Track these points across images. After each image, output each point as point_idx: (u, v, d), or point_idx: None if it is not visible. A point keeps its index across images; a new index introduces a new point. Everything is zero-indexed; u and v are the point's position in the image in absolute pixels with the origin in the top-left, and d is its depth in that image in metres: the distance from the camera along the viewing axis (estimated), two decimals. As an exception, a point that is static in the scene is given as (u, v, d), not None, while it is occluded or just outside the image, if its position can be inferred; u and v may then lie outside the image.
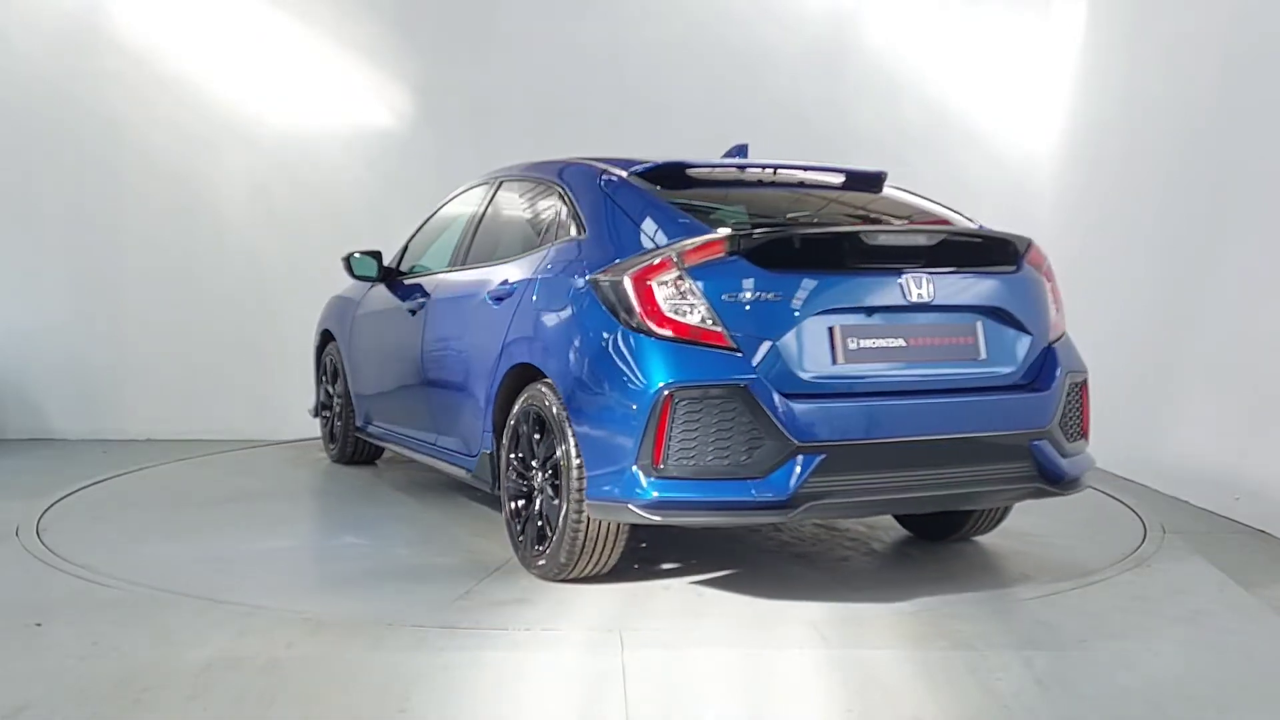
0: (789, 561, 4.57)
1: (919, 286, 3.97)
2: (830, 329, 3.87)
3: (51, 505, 5.41)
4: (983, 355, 4.10)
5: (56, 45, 7.60)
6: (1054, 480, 4.12)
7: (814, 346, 3.84)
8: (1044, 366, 4.21)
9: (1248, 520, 5.28)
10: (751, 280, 3.81)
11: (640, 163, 4.56)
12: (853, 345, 3.90)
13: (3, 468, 6.62)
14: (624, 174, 4.48)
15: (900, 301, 3.96)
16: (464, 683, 3.16)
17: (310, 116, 7.80)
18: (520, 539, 4.34)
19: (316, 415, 6.94)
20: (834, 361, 3.87)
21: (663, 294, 3.82)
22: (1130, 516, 5.47)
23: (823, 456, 3.72)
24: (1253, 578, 4.36)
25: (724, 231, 3.92)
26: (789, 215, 4.53)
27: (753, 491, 3.69)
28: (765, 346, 3.78)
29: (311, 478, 6.39)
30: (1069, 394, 4.22)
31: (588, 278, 4.07)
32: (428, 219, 6.00)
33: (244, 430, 7.58)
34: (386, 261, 5.91)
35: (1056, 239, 7.95)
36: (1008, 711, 2.98)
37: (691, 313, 3.79)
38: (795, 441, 3.70)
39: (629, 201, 4.30)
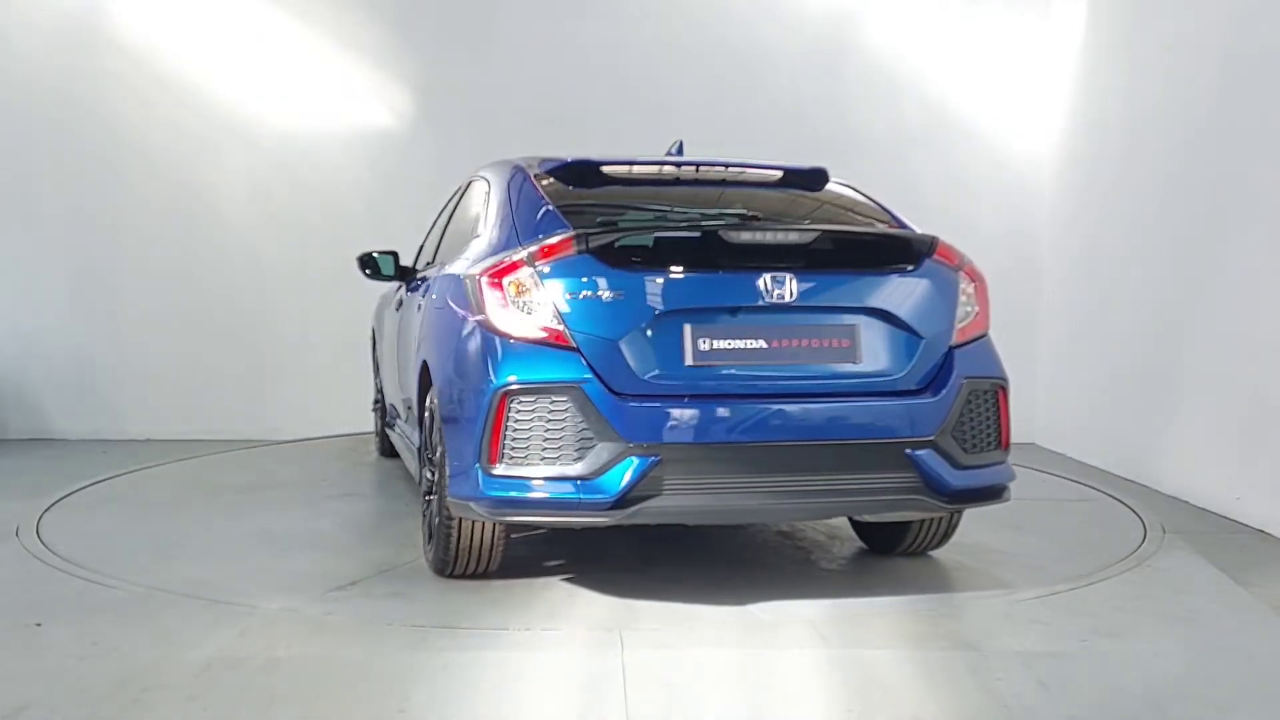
0: (789, 561, 4.57)
1: (779, 287, 3.80)
2: (681, 329, 3.77)
3: (51, 505, 5.41)
4: (860, 359, 3.88)
5: (56, 45, 7.61)
6: (941, 493, 3.85)
7: (663, 347, 3.75)
8: (938, 372, 3.95)
9: (1248, 520, 5.28)
10: (598, 279, 3.76)
11: (556, 160, 4.56)
12: (704, 346, 3.78)
13: (3, 468, 6.62)
14: (530, 171, 4.47)
15: (759, 302, 3.80)
16: (464, 683, 3.16)
17: (310, 116, 7.81)
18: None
19: (374, 410, 7.09)
20: (684, 362, 3.76)
21: (511, 293, 3.80)
22: (1130, 516, 5.47)
23: (657, 459, 3.63)
24: (1253, 578, 4.36)
25: (573, 230, 3.87)
26: (689, 213, 4.37)
27: (581, 492, 3.65)
28: (607, 347, 3.72)
29: (307, 476, 6.38)
30: (970, 402, 3.96)
31: (461, 276, 4.13)
32: (438, 215, 6.01)
33: (244, 430, 7.58)
34: (410, 260, 5.91)
35: (1056, 239, 7.98)
36: (1008, 711, 2.98)
37: (536, 312, 3.76)
38: (628, 443, 3.63)
39: (520, 199, 4.31)
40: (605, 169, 4.57)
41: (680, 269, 3.83)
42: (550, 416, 3.68)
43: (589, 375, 3.68)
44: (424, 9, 7.93)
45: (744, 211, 4.34)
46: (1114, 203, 7.11)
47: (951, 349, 4.01)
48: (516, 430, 3.69)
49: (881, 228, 4.39)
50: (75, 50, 7.61)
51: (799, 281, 3.82)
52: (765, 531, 5.04)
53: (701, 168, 4.76)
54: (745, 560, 4.59)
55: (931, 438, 3.84)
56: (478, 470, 3.74)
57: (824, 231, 4.01)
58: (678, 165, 4.79)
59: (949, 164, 8.06)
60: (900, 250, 4.09)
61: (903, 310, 3.95)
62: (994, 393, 4.07)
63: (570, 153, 4.73)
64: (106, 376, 7.70)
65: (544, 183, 4.40)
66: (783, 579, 4.29)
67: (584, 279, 3.76)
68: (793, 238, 3.96)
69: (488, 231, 4.34)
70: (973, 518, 5.48)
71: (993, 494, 4.08)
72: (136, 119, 7.67)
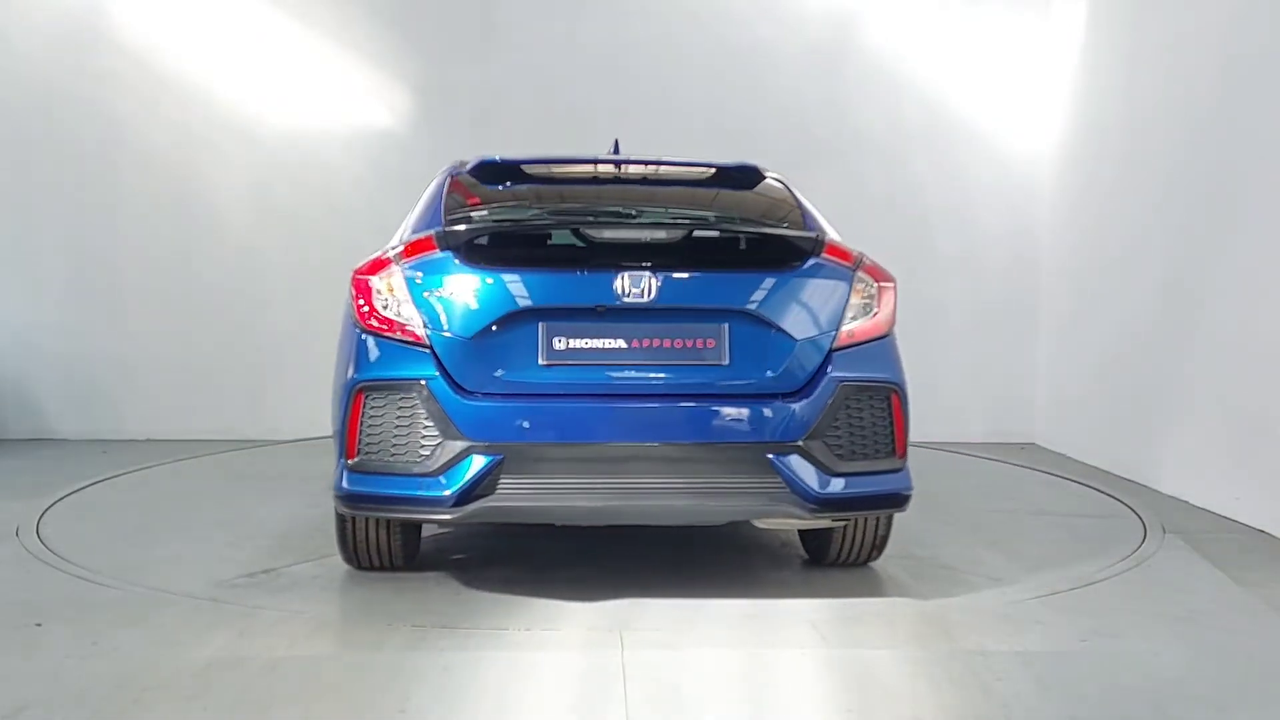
0: (789, 561, 4.57)
1: (636, 286, 3.74)
2: (536, 327, 3.78)
3: (51, 505, 5.40)
4: (725, 360, 3.80)
5: (56, 45, 7.60)
6: (806, 499, 3.73)
7: (516, 345, 3.77)
8: (813, 375, 3.83)
9: (1248, 520, 5.28)
10: (457, 277, 3.80)
11: (485, 159, 4.60)
12: (559, 345, 3.78)
13: (3, 468, 6.62)
14: (456, 171, 4.52)
15: (615, 302, 3.76)
16: (464, 683, 3.16)
17: (310, 116, 7.81)
18: None
19: None
20: (538, 361, 3.77)
21: (376, 291, 3.86)
22: (1130, 516, 5.47)
23: (499, 458, 3.65)
24: (1253, 578, 4.36)
25: (435, 229, 3.91)
26: (581, 213, 4.33)
27: (424, 490, 3.69)
28: (459, 344, 3.75)
29: (305, 473, 6.38)
30: (847, 407, 3.82)
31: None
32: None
33: (243, 430, 7.58)
34: None
35: (1056, 239, 7.98)
36: (1008, 711, 2.98)
37: (397, 310, 3.82)
38: (470, 441, 3.65)
39: (431, 199, 4.36)
40: (526, 168, 4.59)
41: (539, 267, 3.85)
42: (399, 414, 3.73)
43: (435, 373, 3.72)
44: (424, 9, 7.93)
45: (623, 210, 4.27)
46: (1114, 203, 7.11)
47: (832, 351, 3.87)
48: (369, 426, 3.75)
49: (766, 228, 4.24)
50: (75, 50, 7.60)
51: (659, 281, 3.76)
52: (765, 532, 5.04)
53: (624, 166, 4.71)
54: (745, 560, 4.59)
55: (796, 442, 3.74)
56: (342, 465, 3.83)
57: (691, 230, 3.94)
58: (595, 164, 4.74)
59: (949, 164, 8.06)
60: (779, 250, 3.98)
61: (775, 311, 3.84)
62: (884, 397, 3.90)
63: (509, 152, 4.75)
64: (106, 376, 7.69)
65: (462, 182, 4.45)
66: (783, 579, 4.30)
67: (444, 277, 3.81)
68: (659, 236, 3.91)
69: (404, 231, 4.36)
70: (972, 517, 5.49)
71: (880, 503, 3.94)
72: (137, 119, 7.67)
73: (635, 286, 3.75)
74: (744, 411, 3.75)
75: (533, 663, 3.34)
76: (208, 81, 7.70)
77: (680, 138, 7.69)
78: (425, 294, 3.80)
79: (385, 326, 3.83)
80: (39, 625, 3.58)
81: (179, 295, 7.74)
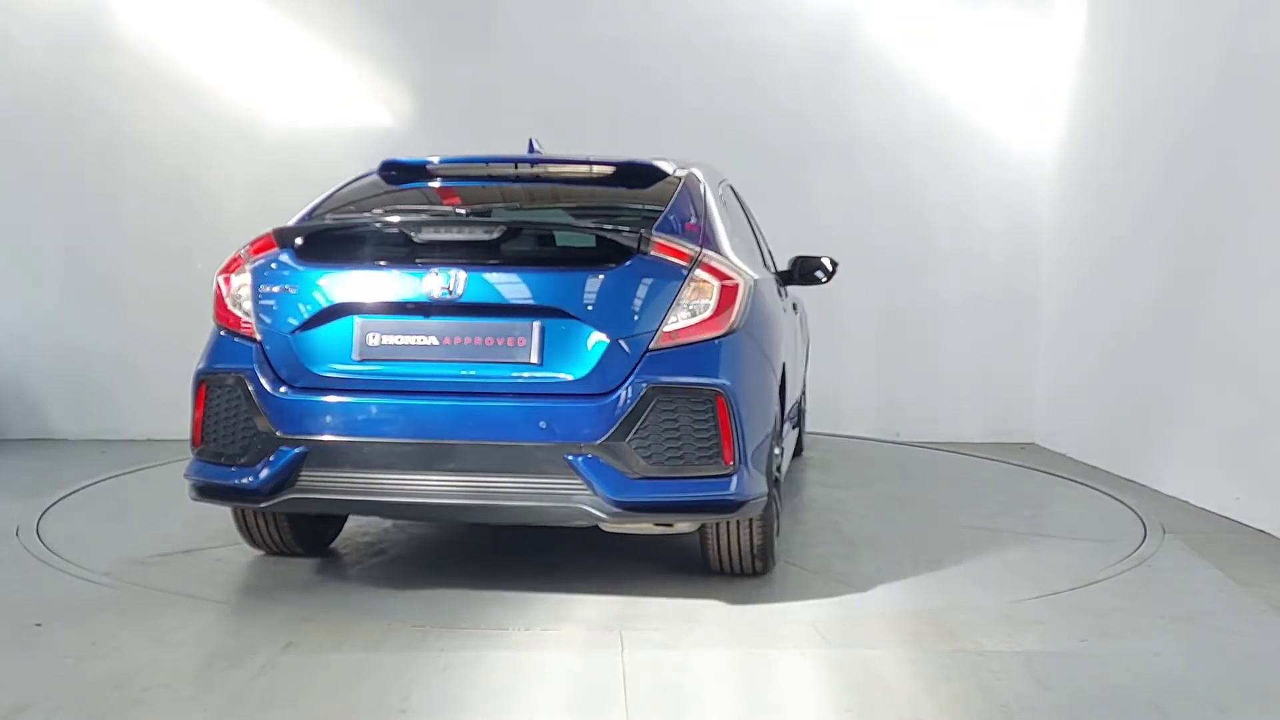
0: (788, 562, 4.57)
1: (447, 284, 3.77)
2: (352, 324, 3.85)
3: (51, 505, 5.40)
4: (536, 358, 3.76)
5: (57, 45, 7.61)
6: (608, 502, 3.66)
7: (333, 340, 3.86)
8: (624, 376, 3.72)
9: (1248, 520, 5.28)
10: (288, 274, 3.94)
11: (395, 160, 4.68)
12: (373, 341, 3.84)
13: (3, 468, 6.62)
14: (372, 171, 4.65)
15: (430, 298, 3.79)
16: (464, 683, 3.16)
17: (310, 116, 7.82)
18: None
19: None
20: (352, 357, 3.84)
21: (228, 287, 4.04)
22: (1130, 516, 5.47)
23: (304, 450, 3.75)
24: (1253, 578, 4.36)
25: (274, 227, 4.04)
26: (415, 212, 4.38)
27: (239, 479, 3.83)
28: (282, 339, 3.88)
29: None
30: (658, 408, 3.69)
31: None
32: None
33: (244, 430, 7.57)
34: None
35: (1056, 239, 7.99)
36: (1007, 711, 2.97)
37: (240, 305, 3.99)
38: (279, 433, 3.77)
39: (320, 197, 4.47)
40: (429, 169, 4.64)
41: (360, 264, 3.93)
42: (227, 405, 3.89)
43: (253, 366, 3.86)
44: (424, 9, 7.93)
45: (454, 210, 4.30)
46: (1113, 202, 7.12)
47: (648, 352, 3.76)
48: (209, 417, 3.94)
49: (588, 224, 4.17)
50: (76, 50, 7.61)
51: (470, 279, 3.79)
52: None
53: (520, 166, 4.70)
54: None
55: (596, 444, 3.67)
56: (192, 454, 4.02)
57: (510, 228, 3.89)
58: (488, 164, 4.76)
59: (949, 163, 8.07)
60: (600, 248, 3.88)
61: (589, 310, 3.77)
62: (704, 401, 3.74)
63: (432, 152, 4.81)
64: (106, 376, 7.70)
65: (362, 181, 4.58)
66: (783, 579, 4.29)
67: (279, 274, 3.95)
68: (477, 236, 3.88)
69: None
70: (969, 518, 5.49)
71: (700, 509, 3.79)
72: (138, 119, 7.68)
73: (446, 284, 3.79)
74: (547, 410, 3.70)
75: (533, 663, 3.34)
76: (209, 81, 7.71)
77: (680, 137, 7.71)
78: (262, 290, 3.95)
79: (230, 322, 4.01)
80: (39, 625, 3.58)
81: (179, 295, 7.72)
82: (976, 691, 3.12)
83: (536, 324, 3.78)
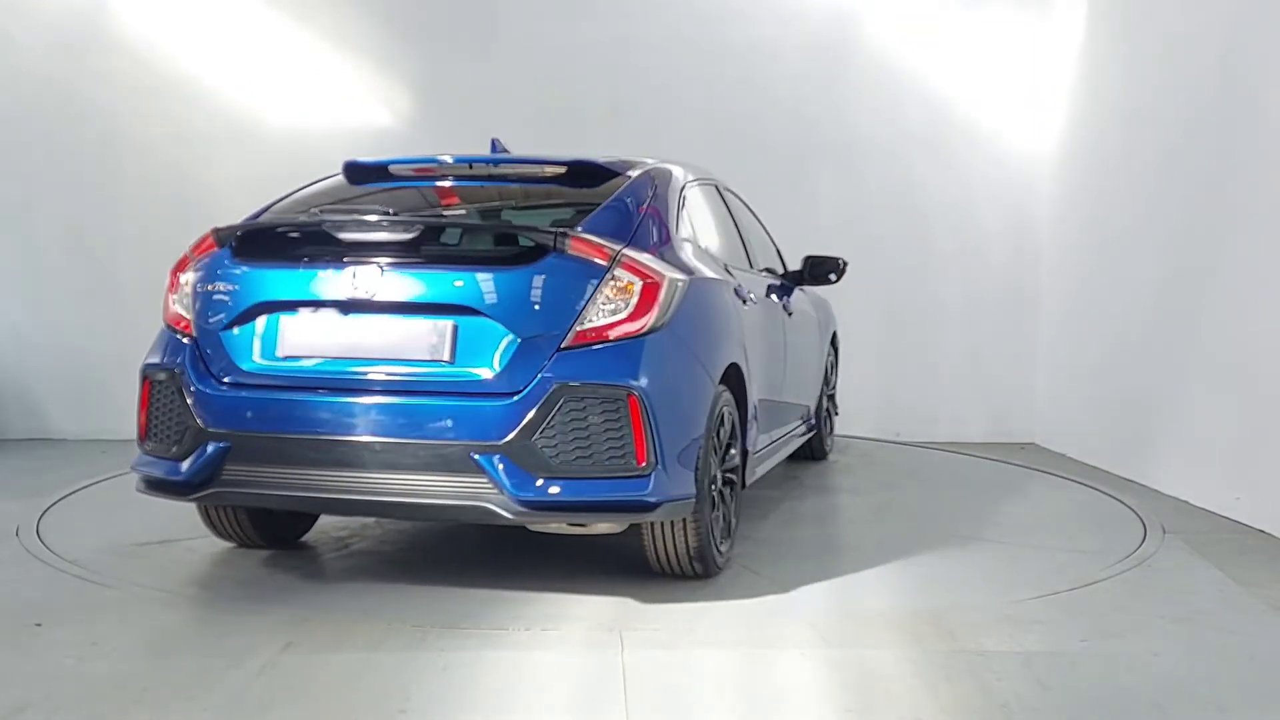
0: (788, 561, 4.57)
1: (367, 282, 3.80)
2: (278, 321, 3.93)
3: (51, 505, 5.40)
4: (449, 357, 3.76)
5: (57, 44, 7.60)
6: (514, 501, 3.65)
7: (260, 337, 3.94)
8: (532, 375, 3.70)
9: (1248, 520, 5.28)
10: (223, 272, 4.04)
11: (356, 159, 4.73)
12: (296, 339, 3.90)
13: (3, 468, 6.63)
14: (337, 171, 4.72)
15: (348, 296, 3.83)
16: (464, 683, 3.16)
17: (310, 116, 7.81)
18: None
19: None
20: (276, 354, 3.91)
21: (175, 286, 4.18)
22: (1130, 516, 5.47)
23: (227, 445, 3.84)
24: (1253, 578, 4.36)
25: (214, 227, 4.14)
26: (342, 212, 4.34)
27: (170, 473, 3.94)
28: (214, 336, 3.99)
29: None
30: (565, 408, 3.66)
31: None
32: None
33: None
34: None
35: (1056, 238, 7.99)
36: (1007, 711, 2.98)
37: (183, 302, 4.12)
38: (205, 428, 3.87)
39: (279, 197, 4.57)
40: (392, 169, 4.66)
41: (287, 263, 3.97)
42: (164, 400, 4.02)
43: (188, 362, 3.98)
44: (424, 9, 7.93)
45: (381, 209, 4.20)
46: (1113, 202, 7.12)
47: (559, 351, 3.73)
48: (149, 411, 4.07)
49: (506, 223, 4.17)
50: (76, 50, 7.60)
51: (387, 278, 3.80)
52: (764, 532, 5.03)
53: (475, 167, 4.69)
54: (745, 560, 4.59)
55: (502, 443, 3.66)
56: (138, 447, 4.14)
57: (428, 227, 3.92)
58: (438, 165, 4.73)
59: (949, 162, 8.07)
60: (517, 247, 3.88)
61: (501, 309, 3.76)
62: (616, 400, 3.69)
63: (409, 152, 4.91)
64: (106, 376, 7.68)
65: (323, 182, 4.66)
66: (783, 579, 4.29)
67: (216, 272, 4.05)
68: (398, 234, 3.88)
69: None
70: (972, 518, 5.50)
71: (612, 510, 3.74)
72: (137, 119, 7.67)
73: (364, 283, 3.82)
74: (456, 409, 3.71)
75: (533, 663, 3.34)
76: (208, 80, 7.70)
77: (681, 136, 7.71)
78: (200, 289, 4.06)
79: (173, 319, 4.16)
80: (39, 625, 3.58)
81: (179, 295, 7.74)
82: (976, 691, 3.12)
83: (450, 323, 3.79)
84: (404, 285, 3.82)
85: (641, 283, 3.82)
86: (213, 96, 7.72)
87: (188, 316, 4.06)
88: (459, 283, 3.79)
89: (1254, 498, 5.29)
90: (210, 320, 4.00)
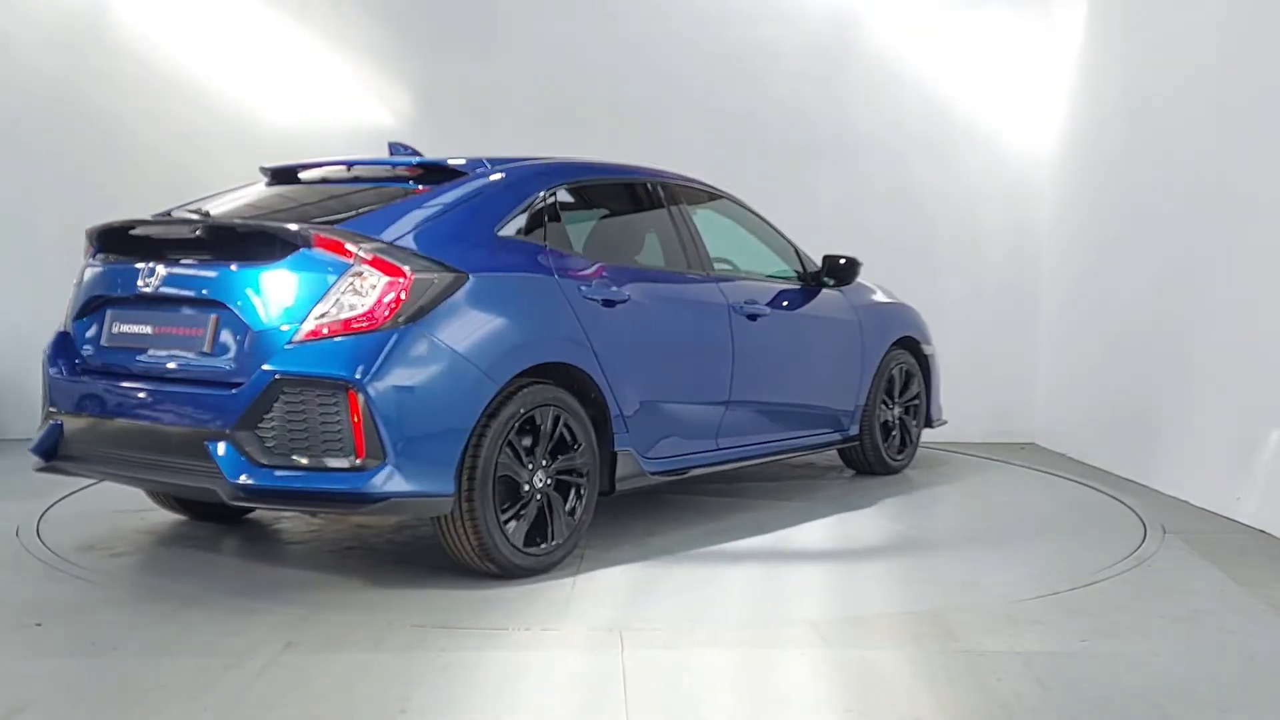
0: (788, 561, 4.58)
1: (148, 277, 4.17)
2: (105, 312, 4.35)
3: (51, 505, 5.41)
4: (207, 348, 4.02)
5: (57, 45, 7.60)
6: (232, 486, 3.79)
7: (95, 327, 4.37)
8: (257, 366, 3.85)
9: (1248, 520, 5.28)
10: (90, 268, 4.49)
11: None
12: (115, 329, 4.30)
13: (3, 468, 6.62)
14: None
15: (146, 291, 4.18)
16: (464, 683, 3.16)
17: (310, 116, 7.81)
18: None
19: None
20: (101, 342, 4.33)
21: (76, 280, 4.56)
22: (1130, 516, 5.47)
23: (59, 424, 4.33)
24: (1253, 578, 4.36)
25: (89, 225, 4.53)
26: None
27: (35, 447, 4.39)
28: (74, 325, 4.45)
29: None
30: (285, 399, 3.77)
31: None
32: None
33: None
34: None
35: (1056, 238, 7.99)
36: (1008, 711, 2.98)
37: (72, 295, 4.53)
38: (50, 409, 4.40)
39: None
40: (301, 172, 4.91)
41: (119, 259, 4.37)
42: (44, 382, 4.50)
43: (52, 350, 4.46)
44: (424, 9, 7.93)
45: (188, 210, 4.52)
46: (1113, 202, 7.11)
47: (289, 344, 3.83)
48: (43, 393, 4.49)
49: (258, 221, 4.21)
50: (75, 50, 7.60)
51: (164, 274, 4.15)
52: (766, 532, 5.03)
53: (354, 168, 4.83)
54: (745, 559, 4.59)
55: (225, 430, 3.85)
56: None
57: (196, 225, 4.18)
58: (319, 167, 4.93)
59: (949, 162, 8.06)
60: (263, 243, 4.00)
61: (246, 303, 3.95)
62: (333, 394, 3.75)
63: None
64: (106, 376, 7.69)
65: (247, 185, 4.91)
66: (783, 579, 4.30)
67: (85, 268, 4.51)
68: (183, 233, 4.22)
69: None
70: (972, 518, 5.49)
71: (326, 500, 3.84)
72: (137, 118, 7.67)
73: (148, 278, 4.18)
74: (201, 397, 3.97)
75: (533, 663, 3.34)
76: (208, 80, 7.70)
77: (680, 136, 7.71)
78: (77, 282, 4.51)
79: (67, 311, 4.55)
80: (39, 625, 3.58)
81: (179, 295, 7.74)
82: (976, 691, 3.12)
83: (213, 315, 4.04)
84: (179, 280, 4.16)
85: (385, 279, 3.87)
86: (213, 96, 7.72)
87: (69, 307, 4.51)
88: (220, 279, 4.05)
89: (1254, 498, 5.28)
90: (71, 311, 4.49)
